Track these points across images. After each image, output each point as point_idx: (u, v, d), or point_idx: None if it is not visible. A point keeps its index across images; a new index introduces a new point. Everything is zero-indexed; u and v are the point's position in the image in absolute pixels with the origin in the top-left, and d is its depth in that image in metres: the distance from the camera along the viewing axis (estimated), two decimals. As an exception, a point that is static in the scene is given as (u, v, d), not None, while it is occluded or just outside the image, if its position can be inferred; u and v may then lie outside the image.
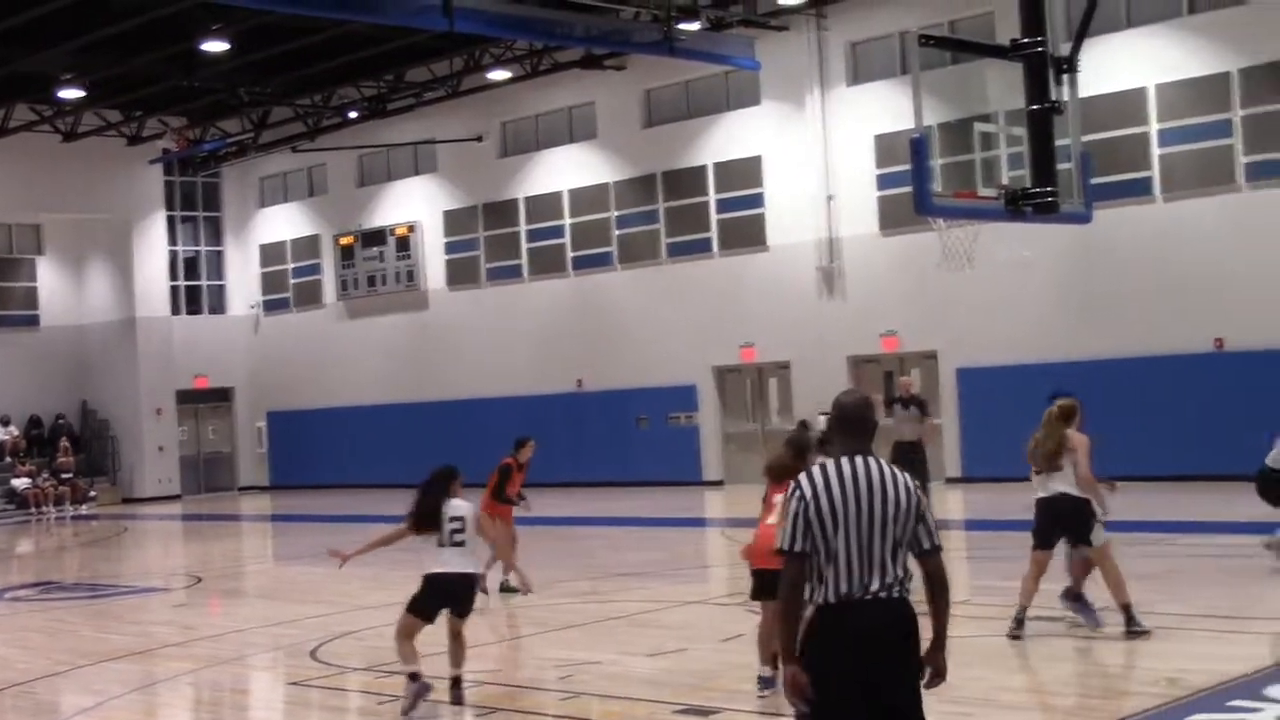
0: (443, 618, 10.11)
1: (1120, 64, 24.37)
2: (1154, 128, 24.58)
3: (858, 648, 5.40)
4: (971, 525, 20.09)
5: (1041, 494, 11.29)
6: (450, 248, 35.22)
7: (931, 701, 5.67)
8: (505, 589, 14.96)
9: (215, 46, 27.92)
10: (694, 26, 27.08)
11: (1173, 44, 24.53)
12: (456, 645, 10.17)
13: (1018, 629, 11.14)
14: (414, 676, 9.85)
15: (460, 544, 10.02)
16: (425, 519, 10.07)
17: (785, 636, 5.56)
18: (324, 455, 37.57)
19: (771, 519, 9.00)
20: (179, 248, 39.70)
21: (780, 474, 9.41)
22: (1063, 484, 11.19)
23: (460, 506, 10.12)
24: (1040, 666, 10.40)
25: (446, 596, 10.06)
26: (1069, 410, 11.36)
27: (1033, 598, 11.28)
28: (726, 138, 30.12)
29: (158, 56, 29.18)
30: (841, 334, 28.04)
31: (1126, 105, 24.53)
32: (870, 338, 27.80)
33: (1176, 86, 24.37)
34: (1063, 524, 11.24)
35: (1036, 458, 11.27)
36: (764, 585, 9.36)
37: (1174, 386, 24.06)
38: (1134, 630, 10.86)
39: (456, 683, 10.09)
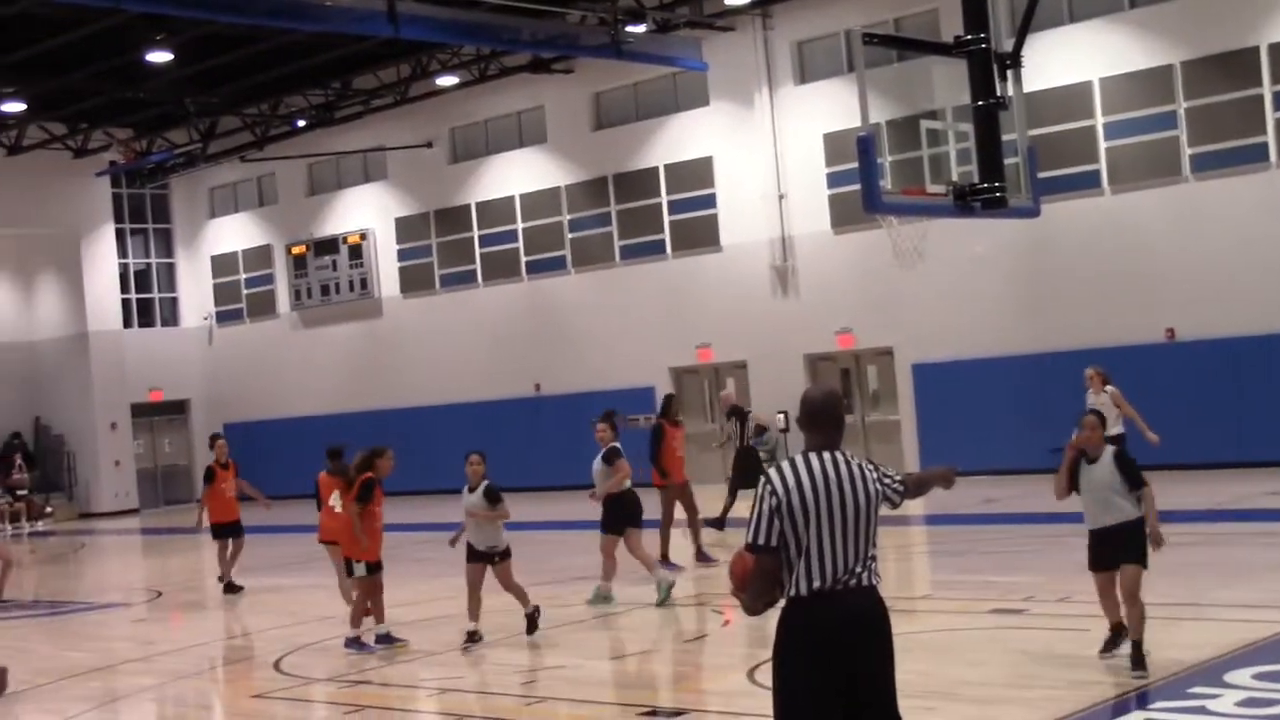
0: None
1: (1064, 58, 24.56)
2: (1100, 121, 24.76)
3: (836, 634, 5.48)
4: (931, 520, 20.18)
5: None
6: (403, 255, 35.15)
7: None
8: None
9: (159, 57, 27.75)
10: (641, 29, 27.11)
11: (1115, 38, 24.73)
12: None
13: None
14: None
15: None
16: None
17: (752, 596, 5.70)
18: (281, 465, 37.24)
19: None
20: (129, 260, 39.49)
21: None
22: None
23: None
24: (998, 659, 10.48)
25: None
26: None
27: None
28: (676, 139, 30.17)
29: (101, 68, 28.97)
30: (797, 332, 28.12)
31: (1072, 99, 24.71)
32: (826, 335, 27.90)
33: (1120, 80, 24.56)
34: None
35: None
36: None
37: (1126, 377, 24.23)
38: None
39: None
